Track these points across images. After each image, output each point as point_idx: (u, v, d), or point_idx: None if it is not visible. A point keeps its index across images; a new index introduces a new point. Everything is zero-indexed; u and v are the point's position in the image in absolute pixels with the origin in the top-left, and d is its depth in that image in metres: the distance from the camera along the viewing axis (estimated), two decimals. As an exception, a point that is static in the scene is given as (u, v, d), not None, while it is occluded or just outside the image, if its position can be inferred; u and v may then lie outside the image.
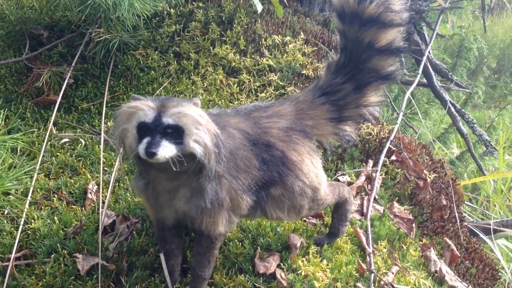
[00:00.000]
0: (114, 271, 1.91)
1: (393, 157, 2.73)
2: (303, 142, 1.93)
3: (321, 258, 2.11)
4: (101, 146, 2.26)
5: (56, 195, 2.17)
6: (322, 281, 2.02)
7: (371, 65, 1.98)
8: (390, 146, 2.75)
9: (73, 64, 2.62)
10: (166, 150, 1.52)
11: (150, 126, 1.54)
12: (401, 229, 2.43)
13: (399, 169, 2.70)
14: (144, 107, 1.57)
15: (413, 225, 2.48)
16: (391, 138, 2.76)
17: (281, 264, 2.04)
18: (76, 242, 1.97)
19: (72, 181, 2.24)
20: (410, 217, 2.51)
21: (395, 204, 2.53)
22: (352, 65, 1.98)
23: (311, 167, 1.93)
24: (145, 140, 1.53)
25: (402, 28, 1.95)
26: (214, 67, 2.75)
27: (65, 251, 1.94)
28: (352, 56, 1.98)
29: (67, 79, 2.52)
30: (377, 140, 2.76)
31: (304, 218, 2.28)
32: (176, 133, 1.55)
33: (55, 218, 2.07)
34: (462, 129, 3.43)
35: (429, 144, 3.75)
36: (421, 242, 2.45)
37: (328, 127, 2.03)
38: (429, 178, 2.72)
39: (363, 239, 2.25)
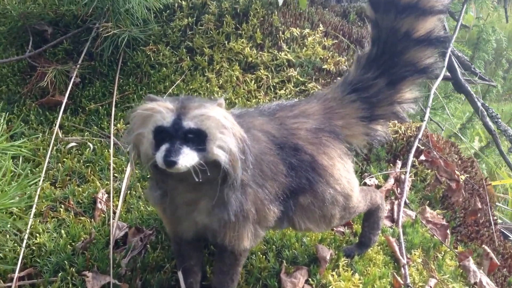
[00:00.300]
0: (127, 290, 1.74)
1: (422, 157, 2.55)
2: (334, 144, 1.75)
3: (352, 271, 1.93)
4: (111, 151, 2.09)
5: (63, 206, 2.00)
6: (355, 297, 1.84)
7: (407, 58, 1.80)
8: (418, 145, 2.57)
9: (79, 62, 2.46)
10: (187, 158, 1.35)
11: (169, 131, 1.37)
12: (435, 236, 2.25)
13: (429, 170, 2.52)
14: (161, 109, 1.39)
15: (448, 231, 2.30)
16: (419, 136, 2.58)
17: (310, 279, 1.87)
18: (85, 258, 1.80)
19: (80, 189, 2.06)
20: (444, 222, 2.33)
21: (427, 208, 2.35)
22: (385, 58, 1.81)
23: (343, 172, 1.75)
24: (164, 147, 1.36)
25: (442, 16, 1.76)
26: (229, 63, 2.57)
27: (73, 269, 1.77)
28: (386, 48, 1.80)
29: (73, 77, 2.36)
30: (404, 138, 2.57)
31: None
32: (198, 139, 1.38)
33: (62, 231, 1.90)
34: (489, 125, 3.24)
35: (457, 140, 3.54)
36: (456, 250, 2.27)
37: (359, 126, 1.85)
38: (461, 179, 2.53)
39: (396, 248, 2.07)
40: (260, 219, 1.62)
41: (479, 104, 3.33)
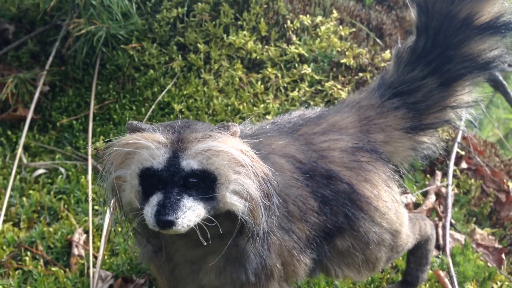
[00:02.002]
0: None
1: (464, 164, 2.15)
2: (377, 167, 1.38)
3: (399, 319, 1.54)
4: (89, 176, 1.66)
5: (29, 253, 1.58)
6: None
7: (466, 51, 1.45)
8: (458, 150, 2.16)
9: (47, 67, 2.03)
10: (190, 214, 0.96)
11: (161, 175, 0.97)
12: (488, 264, 1.85)
13: (473, 180, 2.12)
14: (150, 144, 0.98)
15: (502, 255, 1.91)
16: (458, 139, 2.17)
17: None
18: (60, 324, 1.39)
19: (51, 230, 1.65)
20: (497, 245, 1.94)
21: (477, 229, 1.96)
22: (437, 52, 1.46)
23: (390, 203, 1.37)
24: (155, 200, 0.96)
25: (514, -5, 1.37)
26: (230, 61, 2.15)
27: None
28: (438, 39, 1.44)
29: (40, 86, 1.92)
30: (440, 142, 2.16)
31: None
32: (205, 184, 1.00)
33: (29, 288, 1.48)
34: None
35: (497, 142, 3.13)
36: (516, 279, 1.87)
37: (404, 140, 1.48)
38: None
39: (449, 286, 1.67)
40: (288, 275, 1.24)
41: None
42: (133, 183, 1.01)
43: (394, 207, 1.38)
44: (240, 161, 1.00)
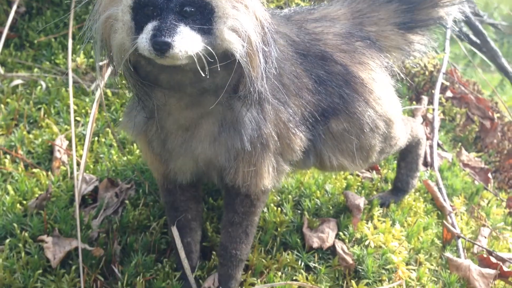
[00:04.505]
0: (102, 258, 1.27)
1: (449, 93, 2.15)
2: (371, 53, 1.35)
3: (391, 222, 1.51)
4: (70, 89, 1.59)
5: (8, 156, 1.50)
6: (400, 253, 1.42)
7: None
8: (443, 81, 2.16)
9: (23, -14, 1.94)
10: (187, 40, 0.91)
11: (155, 3, 0.90)
12: (476, 182, 1.85)
13: (459, 108, 2.12)
14: None
15: (489, 175, 1.91)
16: (443, 70, 2.17)
17: (340, 233, 1.44)
18: (42, 219, 1.32)
19: (31, 136, 1.57)
20: (483, 166, 1.93)
21: (463, 150, 1.95)
22: None
23: (384, 89, 1.33)
24: (150, 26, 0.91)
25: None
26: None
27: (26, 233, 1.29)
28: None
29: (15, 4, 1.82)
30: (426, 73, 2.16)
31: (357, 172, 1.67)
32: (201, 15, 0.94)
33: (9, 187, 1.41)
34: (505, 66, 2.85)
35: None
36: (501, 197, 1.87)
37: (396, 36, 1.45)
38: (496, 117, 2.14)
39: (438, 195, 1.66)
40: (284, 148, 1.19)
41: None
42: (125, 19, 0.95)
43: (388, 94, 1.35)
44: None
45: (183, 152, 1.13)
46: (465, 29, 2.84)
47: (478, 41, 2.79)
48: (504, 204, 1.84)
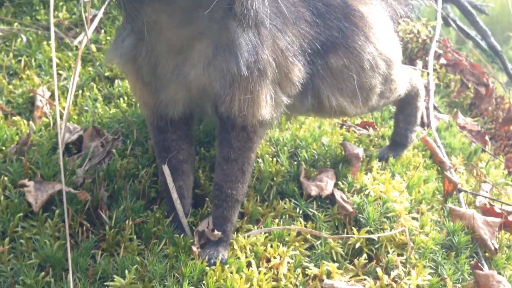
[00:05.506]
0: (88, 203, 1.18)
1: (443, 60, 2.10)
2: None
3: (390, 174, 1.45)
4: (52, 42, 1.50)
5: (-14, 105, 1.42)
6: (401, 202, 1.36)
7: None
8: (436, 48, 2.13)
9: None
10: None
11: None
12: (474, 143, 1.80)
13: (453, 75, 2.08)
14: None
15: (486, 138, 1.86)
16: (436, 37, 2.13)
17: (339, 183, 1.37)
18: (23, 165, 1.23)
19: (10, 87, 1.48)
20: (480, 129, 1.89)
21: (460, 114, 1.91)
22: None
23: (384, 26, 1.28)
24: None
25: None
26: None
27: (6, 178, 1.20)
28: None
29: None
30: (419, 40, 2.12)
31: (353, 129, 1.61)
32: None
33: (-13, 134, 1.32)
34: (494, 44, 2.83)
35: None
36: (500, 159, 1.83)
37: None
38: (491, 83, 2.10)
39: (437, 151, 1.60)
40: (282, 78, 1.12)
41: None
42: None
43: (388, 32, 1.30)
44: None
45: (175, 79, 1.05)
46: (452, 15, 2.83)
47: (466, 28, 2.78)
48: (502, 166, 1.79)
